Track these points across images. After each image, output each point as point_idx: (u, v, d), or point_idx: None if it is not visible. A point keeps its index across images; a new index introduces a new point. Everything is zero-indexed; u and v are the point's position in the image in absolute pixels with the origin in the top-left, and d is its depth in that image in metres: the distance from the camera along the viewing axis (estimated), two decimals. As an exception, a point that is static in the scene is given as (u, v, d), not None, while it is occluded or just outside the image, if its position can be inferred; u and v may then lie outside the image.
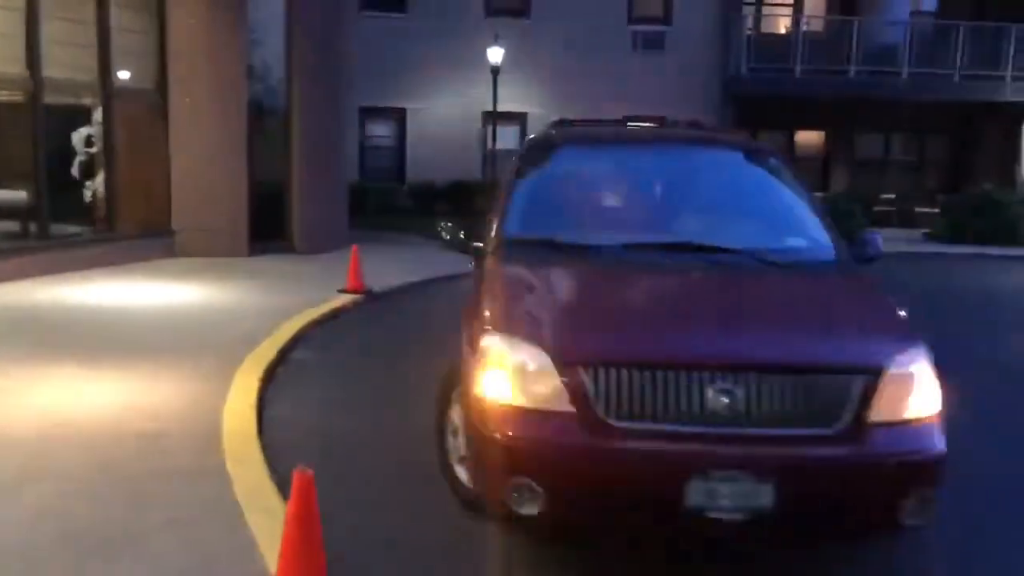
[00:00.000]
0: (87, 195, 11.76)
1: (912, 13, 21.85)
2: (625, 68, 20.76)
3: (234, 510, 4.09)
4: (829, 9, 22.73)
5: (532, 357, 3.48)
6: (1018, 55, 20.96)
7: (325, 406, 6.18)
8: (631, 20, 21.14)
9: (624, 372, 3.39)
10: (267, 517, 3.99)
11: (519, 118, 20.89)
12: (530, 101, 20.86)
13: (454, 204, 20.14)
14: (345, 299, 9.68)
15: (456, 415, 4.22)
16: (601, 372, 3.39)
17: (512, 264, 4.25)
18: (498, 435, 3.45)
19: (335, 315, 9.06)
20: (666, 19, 21.32)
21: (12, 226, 10.86)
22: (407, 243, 15.13)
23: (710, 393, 3.35)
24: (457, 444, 4.28)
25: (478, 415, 3.59)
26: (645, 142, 5.65)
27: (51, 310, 8.53)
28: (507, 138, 20.78)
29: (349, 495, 4.49)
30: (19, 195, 10.93)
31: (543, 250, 4.32)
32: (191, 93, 12.09)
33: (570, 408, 3.39)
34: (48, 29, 10.40)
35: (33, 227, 10.75)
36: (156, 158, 12.18)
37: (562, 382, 3.40)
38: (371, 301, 9.96)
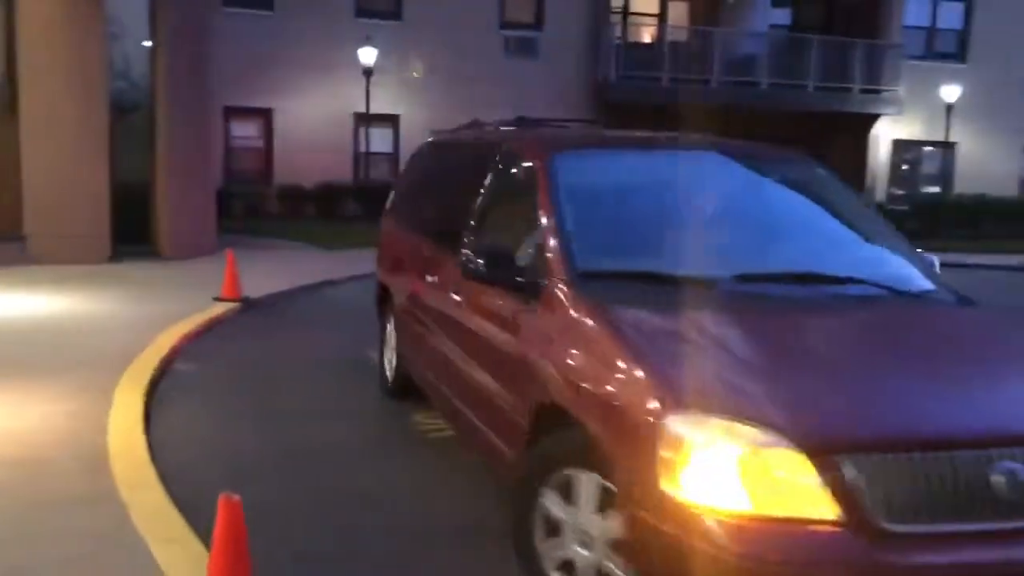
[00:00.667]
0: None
1: (771, 26, 22.82)
2: (498, 72, 20.79)
3: (136, 541, 3.75)
4: (693, 20, 23.47)
5: (766, 443, 2.61)
6: (864, 68, 22.22)
7: (215, 422, 5.80)
8: (503, 25, 21.19)
9: (895, 457, 2.62)
10: (176, 547, 3.67)
11: (392, 120, 20.58)
12: (402, 103, 20.59)
13: (324, 208, 19.64)
14: (222, 308, 9.19)
15: (552, 504, 3.29)
16: (866, 459, 2.59)
17: (619, 307, 3.35)
18: (727, 555, 2.54)
19: (213, 324, 8.58)
20: (538, 25, 21.49)
21: None
22: (277, 248, 14.60)
23: (994, 475, 2.63)
24: (555, 545, 3.30)
25: (677, 524, 2.65)
26: (690, 150, 4.89)
27: None
28: (380, 141, 20.45)
29: (251, 518, 4.20)
30: None
31: (642, 286, 3.52)
32: (45, 88, 11.25)
33: (834, 513, 2.56)
34: None
35: None
36: (4, 158, 11.26)
37: (819, 476, 2.56)
38: (248, 309, 9.50)
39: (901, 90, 22.45)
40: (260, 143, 20.18)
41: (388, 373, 6.38)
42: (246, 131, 20.09)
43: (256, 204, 19.10)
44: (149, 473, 4.52)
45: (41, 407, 5.54)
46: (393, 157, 20.82)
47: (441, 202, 5.57)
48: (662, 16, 23.53)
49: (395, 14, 20.37)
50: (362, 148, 20.21)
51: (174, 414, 5.84)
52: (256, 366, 7.33)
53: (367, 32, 19.07)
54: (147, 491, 4.28)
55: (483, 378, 4.11)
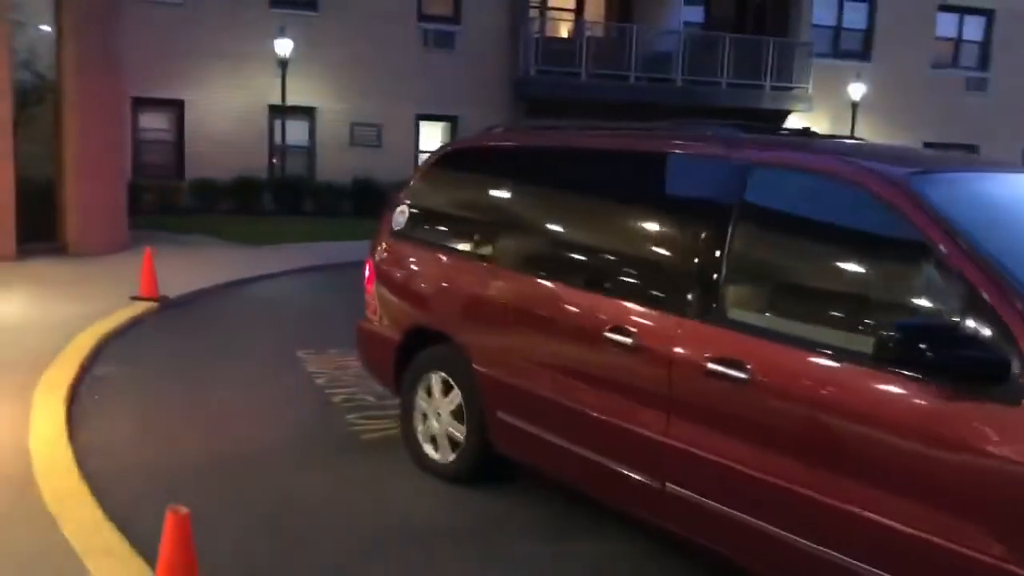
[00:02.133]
0: None
1: (685, 23, 23.19)
2: (416, 65, 20.61)
3: (69, 556, 3.59)
4: (608, 16, 23.69)
5: None
6: (775, 66, 22.80)
7: (141, 427, 5.59)
8: (421, 17, 20.99)
9: None
10: (111, 559, 3.54)
11: (308, 112, 20.21)
12: (319, 95, 20.23)
13: (239, 203, 19.17)
14: (140, 307, 8.88)
15: None
16: None
17: None
18: None
19: (132, 324, 8.28)
20: (456, 18, 21.36)
21: None
22: (192, 244, 14.19)
23: None
24: None
25: None
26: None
27: None
28: (296, 133, 20.06)
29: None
30: None
31: None
32: (-58, 77, 10.67)
33: None
34: None
35: None
36: (-101, 150, 10.65)
37: None
38: (168, 308, 9.21)
39: (810, 87, 23.11)
40: (171, 135, 19.52)
41: (438, 451, 4.87)
42: (156, 123, 19.40)
43: (168, 198, 18.51)
44: (78, 484, 4.34)
45: (-47, 416, 5.26)
46: (310, 150, 20.46)
47: (581, 238, 4.38)
48: (579, 11, 23.68)
49: (311, 4, 19.96)
50: (278, 141, 19.80)
51: (98, 420, 5.62)
52: (180, 368, 7.11)
53: (282, 23, 18.67)
54: (77, 504, 4.11)
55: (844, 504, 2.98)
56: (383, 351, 5.25)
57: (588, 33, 22.29)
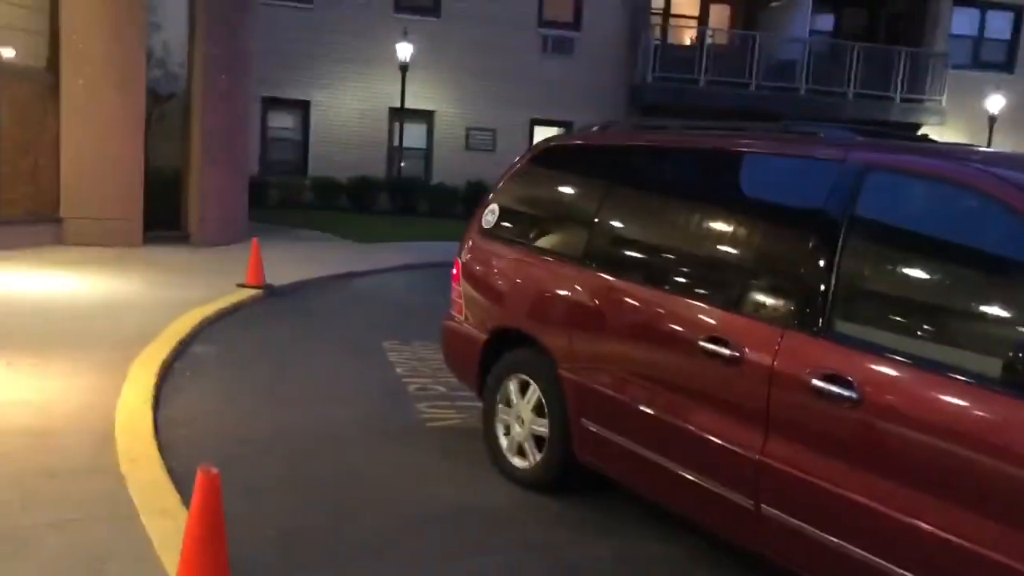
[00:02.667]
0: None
1: (811, 32, 22.61)
2: (534, 71, 20.87)
3: (128, 510, 3.88)
4: (733, 23, 23.35)
5: None
6: (907, 76, 21.94)
7: (223, 403, 5.94)
8: (541, 23, 21.25)
9: None
10: (164, 518, 3.80)
11: (427, 116, 20.75)
12: (438, 100, 20.76)
13: (357, 201, 19.86)
14: (244, 294, 9.38)
15: None
16: None
17: None
18: None
19: (234, 310, 8.76)
20: (576, 24, 21.52)
21: None
22: (307, 238, 14.81)
23: None
24: None
25: None
26: None
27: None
28: (413, 136, 20.63)
29: (242, 494, 4.32)
30: None
31: None
32: (86, 74, 11.53)
33: None
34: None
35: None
36: (45, 141, 11.56)
37: None
38: (271, 296, 9.68)
39: (944, 99, 22.13)
40: (297, 134, 20.45)
41: (518, 456, 4.80)
42: (283, 122, 20.38)
43: (291, 194, 19.38)
44: (150, 448, 4.66)
45: (59, 381, 5.72)
46: (426, 153, 21.00)
47: (678, 242, 4.16)
48: (703, 18, 23.43)
49: (433, 10, 20.53)
50: (396, 143, 20.40)
51: (185, 394, 5.99)
52: (270, 351, 7.48)
53: (405, 27, 19.26)
54: (145, 465, 4.41)
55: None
56: (467, 351, 5.15)
57: (709, 40, 22.03)
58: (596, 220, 4.51)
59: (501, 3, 20.56)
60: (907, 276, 3.30)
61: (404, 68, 19.01)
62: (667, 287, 4.03)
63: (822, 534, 3.16)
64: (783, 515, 3.30)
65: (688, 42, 23.43)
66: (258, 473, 4.70)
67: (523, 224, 5.10)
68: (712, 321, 3.70)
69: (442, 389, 6.46)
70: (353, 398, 6.25)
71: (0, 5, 10.77)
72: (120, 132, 11.76)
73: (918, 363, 2.99)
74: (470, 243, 5.35)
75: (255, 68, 14.82)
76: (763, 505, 3.37)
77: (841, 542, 3.10)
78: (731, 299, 3.71)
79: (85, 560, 3.43)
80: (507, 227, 5.15)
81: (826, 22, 23.80)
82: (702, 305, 3.79)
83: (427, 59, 19.94)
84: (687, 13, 23.57)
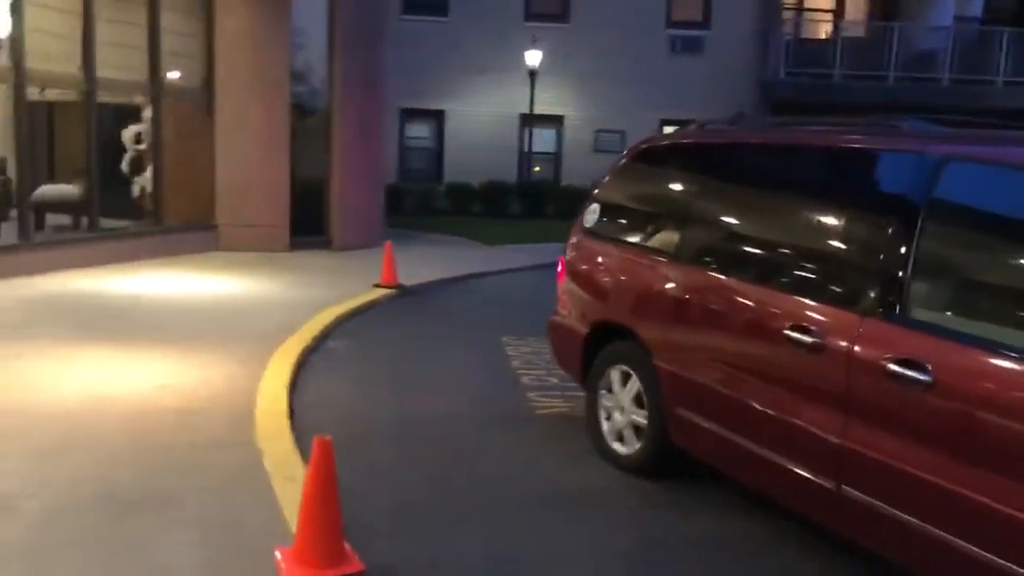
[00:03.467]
0: (135, 190, 12.28)
1: (956, 18, 21.67)
2: (662, 72, 20.93)
3: (262, 478, 4.41)
4: (870, 14, 22.66)
5: None
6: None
7: (354, 390, 6.49)
8: (670, 24, 21.29)
9: None
10: (292, 484, 4.29)
11: (556, 121, 21.17)
12: (567, 104, 21.13)
13: (489, 205, 20.46)
14: (379, 293, 10.01)
15: None
16: None
17: None
18: None
19: (368, 308, 9.39)
20: (705, 23, 21.44)
21: (64, 219, 11.38)
22: (439, 242, 15.46)
23: None
24: None
25: None
26: None
27: (96, 297, 8.97)
28: (543, 140, 21.08)
29: (362, 469, 4.79)
30: (71, 189, 11.46)
31: None
32: (236, 93, 12.54)
33: None
34: (102, 31, 10.87)
35: (84, 220, 11.25)
36: (201, 155, 12.64)
37: None
38: (403, 295, 10.28)
39: (1107, 85, 20.78)
40: (432, 143, 21.29)
41: (618, 442, 5.06)
42: (420, 132, 21.26)
43: (426, 201, 20.17)
44: (284, 426, 5.21)
45: (206, 369, 6.40)
46: (556, 156, 21.42)
47: (765, 235, 4.38)
48: (838, 11, 22.85)
49: (562, 16, 20.93)
50: (526, 148, 20.89)
51: (318, 380, 6.57)
52: (399, 344, 8.02)
53: (534, 34, 19.72)
54: (279, 441, 4.96)
55: None
56: (571, 345, 5.45)
57: (845, 33, 21.48)
58: (687, 216, 4.76)
59: (629, 7, 20.73)
60: (981, 264, 3.39)
61: (533, 74, 19.48)
62: (753, 278, 4.22)
63: (900, 513, 3.29)
64: (863, 496, 3.45)
65: (823, 36, 22.90)
66: (377, 451, 5.17)
67: (620, 222, 5.41)
68: (796, 310, 3.84)
69: (554, 380, 6.79)
70: (469, 387, 6.68)
71: (167, 34, 11.87)
72: (268, 145, 12.70)
73: (990, 347, 3.09)
74: (573, 241, 5.66)
75: (394, 81, 15.60)
76: (843, 486, 3.53)
77: (917, 521, 3.22)
78: (814, 288, 3.87)
79: (224, 518, 3.96)
80: (605, 225, 5.45)
81: (975, 7, 22.73)
82: (787, 295, 3.95)
83: (556, 65, 20.34)
84: (821, 6, 23.04)
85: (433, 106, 20.91)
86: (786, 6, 22.05)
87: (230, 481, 4.38)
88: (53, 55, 10.61)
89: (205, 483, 4.34)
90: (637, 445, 4.89)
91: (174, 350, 6.88)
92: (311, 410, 5.81)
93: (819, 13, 23.14)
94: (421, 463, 5.03)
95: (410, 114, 20.80)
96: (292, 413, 5.54)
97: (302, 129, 13.48)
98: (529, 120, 20.23)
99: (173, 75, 12.29)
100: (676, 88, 20.88)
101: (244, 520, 3.94)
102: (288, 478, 4.40)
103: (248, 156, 12.64)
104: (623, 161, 5.55)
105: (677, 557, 4.01)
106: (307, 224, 13.32)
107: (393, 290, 10.25)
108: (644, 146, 5.48)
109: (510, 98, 20.76)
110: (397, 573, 3.67)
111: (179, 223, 12.39)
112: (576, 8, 21.05)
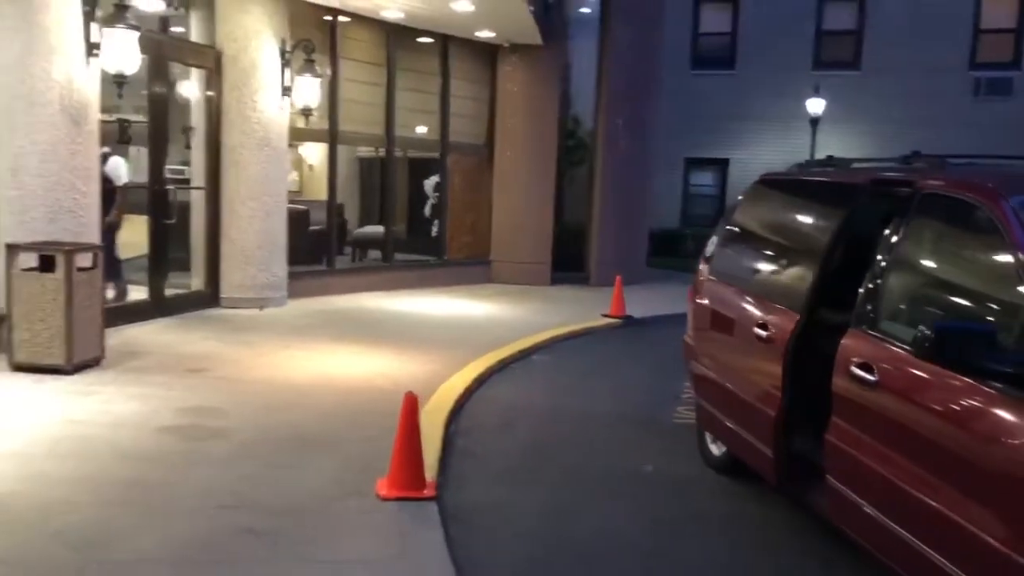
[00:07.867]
0: (434, 230, 14.63)
1: None
2: (962, 115, 20.05)
3: (407, 437, 5.88)
4: None
5: None
6: None
7: (527, 390, 7.80)
8: (973, 66, 20.37)
9: None
10: (425, 442, 5.70)
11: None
12: (857, 151, 20.87)
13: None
14: (604, 321, 11.25)
15: None
16: None
17: None
18: None
19: (585, 333, 10.65)
20: (1015, 62, 20.24)
21: (372, 252, 13.95)
22: (687, 280, 16.18)
23: None
24: None
25: None
26: None
27: (373, 312, 11.08)
28: (827, 187, 21.02)
29: (498, 447, 6.10)
30: (380, 229, 14.01)
31: None
32: (511, 148, 14.53)
33: None
34: (402, 99, 13.30)
35: (379, 254, 13.74)
36: (482, 200, 14.77)
37: None
38: (627, 325, 11.41)
39: None
40: (714, 190, 22.14)
41: (715, 444, 5.89)
42: (703, 179, 22.26)
43: (705, 244, 20.94)
44: (446, 406, 6.66)
45: (422, 366, 7.99)
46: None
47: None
48: None
49: (852, 64, 20.88)
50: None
51: (503, 384, 7.97)
52: (593, 364, 9.20)
53: (820, 83, 19.91)
54: (438, 414, 6.40)
55: None
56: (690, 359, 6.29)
57: None
58: (769, 250, 5.60)
59: (927, 50, 20.19)
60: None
61: (814, 122, 19.68)
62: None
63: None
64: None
65: None
66: (516, 434, 6.45)
67: (724, 255, 6.07)
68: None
69: (705, 396, 7.63)
70: (630, 398, 7.74)
71: (455, 99, 14.13)
72: (537, 192, 14.53)
73: None
74: (699, 268, 6.48)
75: (679, 132, 16.62)
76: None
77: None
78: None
79: (364, 456, 5.44)
80: (716, 257, 6.16)
81: None
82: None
83: (846, 112, 20.32)
84: None
85: (717, 155, 21.77)
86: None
87: (385, 434, 5.85)
88: (362, 119, 13.19)
89: (367, 434, 5.87)
90: (724, 448, 5.71)
91: (405, 351, 8.63)
92: (482, 401, 7.22)
93: None
94: (547, 444, 6.24)
95: (694, 163, 21.87)
96: (463, 401, 6.98)
97: (569, 178, 15.16)
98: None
99: (460, 134, 14.53)
100: (979, 133, 19.73)
101: (378, 458, 5.40)
102: (425, 437, 5.81)
103: (520, 202, 14.54)
104: (743, 195, 6.29)
105: (712, 529, 4.91)
106: (569, 262, 14.92)
107: (618, 320, 11.41)
108: (761, 180, 6.29)
109: (795, 146, 21.00)
110: (482, 508, 4.95)
111: (460, 258, 14.55)
112: (868, 53, 20.89)
